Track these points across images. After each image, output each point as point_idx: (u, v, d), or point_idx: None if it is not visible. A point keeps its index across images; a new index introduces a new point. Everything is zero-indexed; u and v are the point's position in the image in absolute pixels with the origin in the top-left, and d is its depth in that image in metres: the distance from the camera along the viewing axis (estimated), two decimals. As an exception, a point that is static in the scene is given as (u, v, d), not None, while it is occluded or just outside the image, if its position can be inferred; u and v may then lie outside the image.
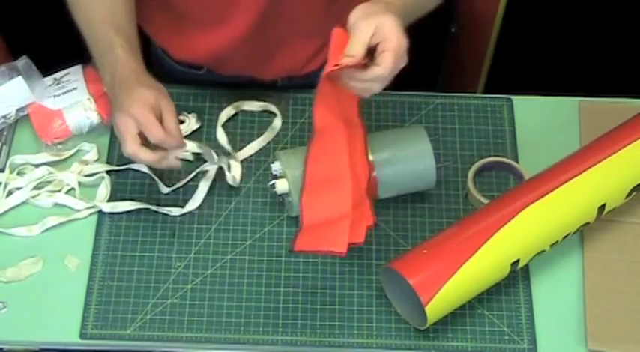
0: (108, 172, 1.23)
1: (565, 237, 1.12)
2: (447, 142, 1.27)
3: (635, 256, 1.18)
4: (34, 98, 1.25)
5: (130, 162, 1.22)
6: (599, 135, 1.17)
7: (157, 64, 1.35)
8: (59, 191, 1.21)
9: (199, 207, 1.21)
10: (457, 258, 1.06)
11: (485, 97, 1.33)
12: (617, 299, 1.14)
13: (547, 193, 1.10)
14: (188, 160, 1.20)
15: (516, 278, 1.16)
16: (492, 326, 1.13)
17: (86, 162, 1.24)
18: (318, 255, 1.17)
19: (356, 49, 0.96)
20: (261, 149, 1.25)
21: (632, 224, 1.20)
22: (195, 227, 1.19)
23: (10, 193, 1.21)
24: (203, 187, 1.21)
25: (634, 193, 1.15)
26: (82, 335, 1.11)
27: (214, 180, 1.22)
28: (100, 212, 1.20)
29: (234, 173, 1.22)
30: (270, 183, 1.16)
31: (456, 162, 1.26)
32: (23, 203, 1.21)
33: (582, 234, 1.19)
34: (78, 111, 1.25)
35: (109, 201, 1.20)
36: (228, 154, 1.23)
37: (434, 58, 1.93)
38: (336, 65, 0.97)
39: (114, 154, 1.25)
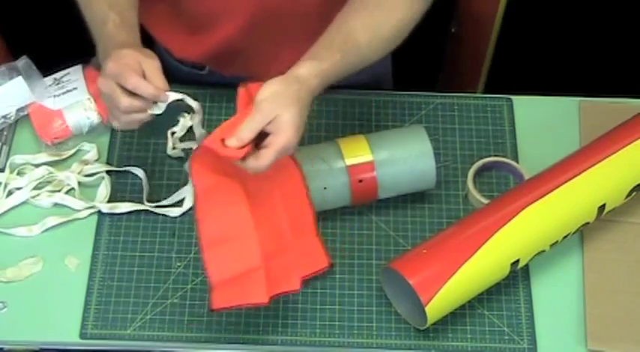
0: (108, 172, 1.23)
1: (565, 237, 1.12)
2: (447, 142, 1.27)
3: (635, 256, 1.18)
4: (34, 98, 1.25)
5: (130, 163, 1.22)
6: (599, 135, 1.17)
7: (161, 63, 1.35)
8: (59, 191, 1.21)
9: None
10: (457, 258, 1.06)
11: (485, 97, 1.33)
12: (617, 299, 1.14)
13: (547, 193, 1.10)
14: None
15: (516, 278, 1.16)
16: (492, 326, 1.13)
17: (86, 162, 1.24)
18: (318, 255, 1.17)
19: (245, 135, 0.97)
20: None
21: (632, 224, 1.20)
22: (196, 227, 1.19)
23: (10, 193, 1.21)
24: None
25: (634, 193, 1.15)
26: (82, 335, 1.11)
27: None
28: (100, 212, 1.20)
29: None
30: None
31: (456, 162, 1.26)
32: (23, 203, 1.21)
33: (582, 234, 1.19)
34: (78, 111, 1.25)
35: (109, 201, 1.20)
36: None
37: (434, 58, 1.93)
38: (222, 139, 0.97)
39: (114, 154, 1.25)
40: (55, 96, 1.25)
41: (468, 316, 1.13)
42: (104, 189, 1.21)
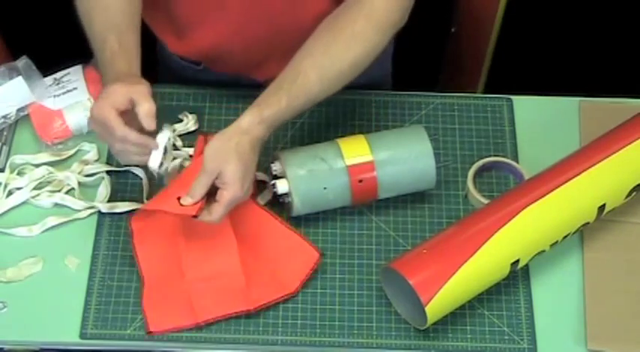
0: (108, 172, 1.23)
1: (565, 237, 1.12)
2: (447, 142, 1.27)
3: (635, 256, 1.18)
4: (34, 98, 1.25)
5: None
6: (599, 135, 1.17)
7: (160, 55, 1.36)
8: (59, 191, 1.21)
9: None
10: (457, 258, 1.06)
11: (485, 97, 1.33)
12: (617, 299, 1.14)
13: (547, 193, 1.10)
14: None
15: (516, 278, 1.16)
16: (492, 326, 1.13)
17: (86, 162, 1.24)
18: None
19: (197, 192, 1.06)
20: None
21: (632, 224, 1.20)
22: (195, 227, 1.19)
23: (10, 193, 1.21)
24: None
25: (634, 193, 1.15)
26: (82, 335, 1.11)
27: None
28: (100, 212, 1.20)
29: None
30: (271, 183, 1.16)
31: (456, 162, 1.26)
32: (23, 203, 1.21)
33: (582, 234, 1.19)
34: (78, 111, 1.25)
35: (108, 201, 1.20)
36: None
37: (434, 58, 1.93)
38: (179, 198, 1.06)
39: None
40: (55, 96, 1.25)
41: (468, 316, 1.13)
42: (104, 189, 1.21)
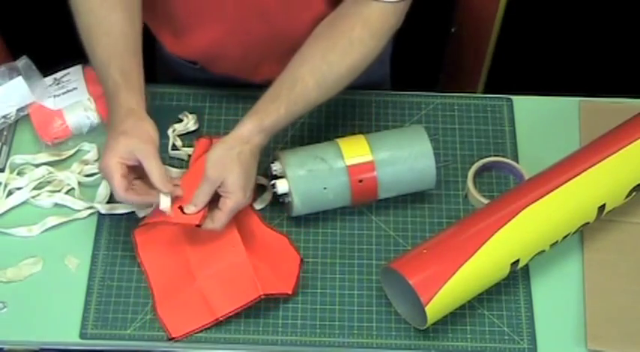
0: (108, 172, 1.23)
1: (565, 237, 1.12)
2: (447, 142, 1.27)
3: (635, 256, 1.18)
4: (34, 98, 1.25)
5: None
6: (599, 135, 1.17)
7: (159, 54, 1.36)
8: (59, 191, 1.21)
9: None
10: (457, 258, 1.06)
11: (485, 97, 1.33)
12: (617, 299, 1.14)
13: (547, 193, 1.10)
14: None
15: (516, 278, 1.16)
16: (492, 326, 1.13)
17: (86, 162, 1.24)
18: (318, 256, 1.17)
19: (200, 200, 1.08)
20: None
21: (632, 224, 1.20)
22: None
23: (10, 193, 1.21)
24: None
25: (634, 193, 1.15)
26: (82, 335, 1.11)
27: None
28: (100, 212, 1.20)
29: None
30: (271, 183, 1.16)
31: (456, 162, 1.26)
32: (23, 203, 1.21)
33: (582, 234, 1.19)
34: (78, 111, 1.25)
35: (108, 201, 1.20)
36: None
37: (434, 58, 1.93)
38: (180, 207, 1.09)
39: (114, 154, 1.25)
40: (55, 96, 1.25)
41: (468, 316, 1.13)
42: (104, 190, 1.21)
